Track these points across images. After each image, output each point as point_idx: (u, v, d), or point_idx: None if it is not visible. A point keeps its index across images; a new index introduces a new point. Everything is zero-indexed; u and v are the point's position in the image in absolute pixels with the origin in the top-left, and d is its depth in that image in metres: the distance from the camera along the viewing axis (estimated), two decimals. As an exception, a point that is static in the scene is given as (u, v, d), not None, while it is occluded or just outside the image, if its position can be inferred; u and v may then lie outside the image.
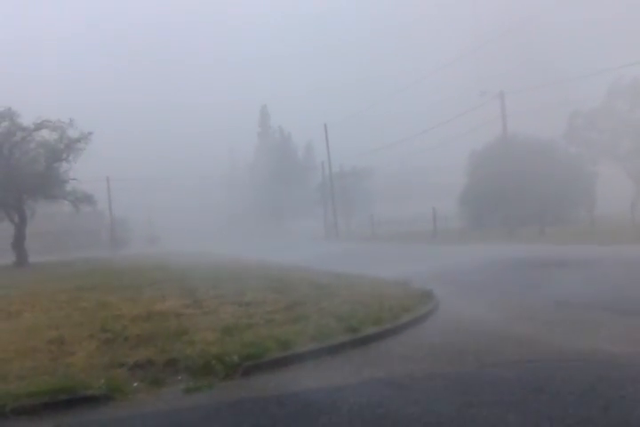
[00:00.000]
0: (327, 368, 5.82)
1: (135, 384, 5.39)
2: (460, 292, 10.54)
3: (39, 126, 30.75)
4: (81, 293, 12.57)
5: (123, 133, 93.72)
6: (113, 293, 12.05)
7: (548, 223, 30.82)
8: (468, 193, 38.44)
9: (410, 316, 7.85)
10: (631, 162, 35.69)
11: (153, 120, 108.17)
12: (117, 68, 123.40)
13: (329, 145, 50.14)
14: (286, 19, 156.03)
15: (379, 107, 68.31)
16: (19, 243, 32.13)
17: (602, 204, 36.10)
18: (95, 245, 59.66)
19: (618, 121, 34.55)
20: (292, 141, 79.09)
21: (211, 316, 8.29)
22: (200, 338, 6.69)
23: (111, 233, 57.44)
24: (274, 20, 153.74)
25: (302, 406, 4.62)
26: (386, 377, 5.29)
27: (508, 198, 31.85)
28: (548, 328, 6.96)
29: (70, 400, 4.98)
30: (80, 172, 33.75)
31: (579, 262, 14.47)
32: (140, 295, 11.26)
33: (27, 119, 30.83)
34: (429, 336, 7.02)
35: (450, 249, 24.06)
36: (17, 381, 5.38)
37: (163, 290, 11.96)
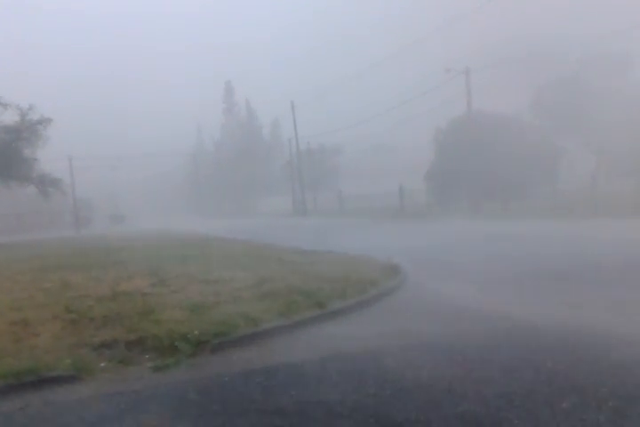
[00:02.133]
0: (294, 343, 5.89)
1: (102, 364, 5.36)
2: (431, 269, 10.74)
3: None
4: (44, 273, 12.35)
5: (86, 112, 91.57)
6: (77, 273, 11.87)
7: (512, 198, 31.37)
8: (433, 169, 38.69)
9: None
10: (592, 135, 36.26)
11: (118, 98, 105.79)
12: (82, 45, 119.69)
13: (296, 122, 49.84)
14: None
15: (346, 84, 67.90)
16: (-22, 224, 31.46)
17: (567, 177, 36.80)
18: (59, 225, 58.52)
19: (582, 93, 34.92)
20: (259, 118, 78.18)
21: (178, 294, 8.26)
22: (167, 317, 6.67)
23: (75, 213, 56.31)
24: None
25: (270, 381, 4.68)
26: (355, 351, 5.39)
27: (472, 174, 32.25)
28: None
29: (36, 382, 4.93)
30: (42, 152, 33.38)
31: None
32: (105, 275, 11.13)
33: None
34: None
35: (410, 225, 24.43)
36: (-20, 364, 5.30)
37: (128, 269, 11.85)
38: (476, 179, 31.97)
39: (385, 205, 41.85)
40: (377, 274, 9.17)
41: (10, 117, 31.70)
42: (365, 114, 50.89)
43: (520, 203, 30.49)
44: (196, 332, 5.89)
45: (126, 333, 6.15)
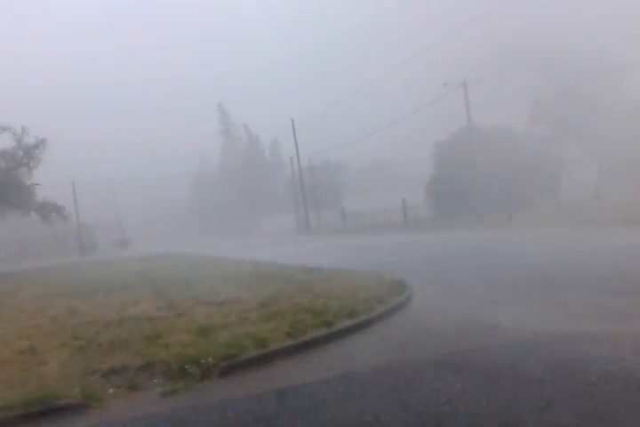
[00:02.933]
0: (304, 364, 5.84)
1: (111, 391, 5.32)
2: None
3: None
4: (50, 300, 12.33)
5: (89, 138, 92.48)
6: (83, 299, 11.84)
7: (516, 209, 31.37)
8: (435, 183, 38.83)
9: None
10: (592, 145, 36.31)
11: (121, 124, 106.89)
12: (84, 71, 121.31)
13: (297, 140, 50.09)
14: (250, 15, 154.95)
15: (346, 101, 68.41)
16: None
17: (570, 187, 36.85)
18: (63, 251, 58.56)
19: (580, 104, 35.01)
20: (259, 138, 78.77)
21: (185, 317, 8.22)
22: (175, 340, 6.63)
23: (79, 238, 56.38)
24: (239, 17, 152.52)
25: (281, 403, 4.62)
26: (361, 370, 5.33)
27: (475, 186, 32.28)
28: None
29: (45, 411, 4.88)
30: (45, 177, 33.54)
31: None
32: (111, 300, 11.10)
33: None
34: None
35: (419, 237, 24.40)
36: (-12, 394, 5.26)
37: (135, 294, 11.82)
38: (478, 191, 31.98)
39: (388, 220, 41.84)
40: (383, 291, 9.10)
41: (6, 142, 31.79)
42: (365, 130, 51.21)
43: (523, 213, 30.47)
44: (204, 355, 5.84)
45: (134, 358, 6.11)
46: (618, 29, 32.93)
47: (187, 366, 5.62)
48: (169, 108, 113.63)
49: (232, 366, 5.71)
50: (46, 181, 34.06)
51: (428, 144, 40.30)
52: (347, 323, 7.05)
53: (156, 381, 5.53)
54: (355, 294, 8.75)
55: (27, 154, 31.75)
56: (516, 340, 5.80)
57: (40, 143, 31.80)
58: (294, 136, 49.93)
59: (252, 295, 9.66)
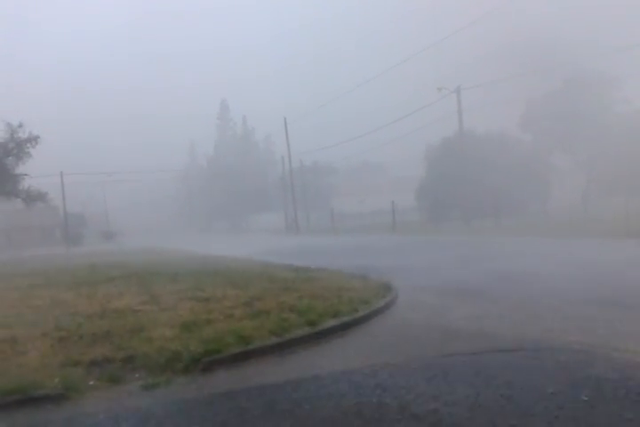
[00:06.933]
0: (287, 362, 5.86)
1: (91, 383, 5.30)
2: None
3: None
4: (34, 290, 12.24)
5: (79, 128, 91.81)
6: (67, 290, 11.78)
7: (504, 215, 31.53)
8: (425, 187, 38.94)
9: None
10: (582, 153, 36.48)
11: (112, 114, 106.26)
12: (78, 61, 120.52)
13: (289, 139, 49.96)
14: (247, 12, 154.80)
15: (340, 101, 68.28)
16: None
17: (558, 194, 37.06)
18: (49, 241, 58.05)
19: (571, 111, 35.09)
20: (253, 135, 78.53)
21: (169, 312, 8.20)
22: (158, 334, 6.62)
23: (65, 229, 55.93)
24: (235, 13, 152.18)
25: (261, 400, 4.64)
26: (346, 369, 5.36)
27: (464, 192, 32.42)
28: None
29: (23, 401, 4.86)
30: (33, 167, 33.38)
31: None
32: (95, 292, 11.05)
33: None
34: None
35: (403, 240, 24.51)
36: (-33, 382, 5.22)
37: (119, 287, 11.77)
38: (467, 197, 32.13)
39: (376, 222, 41.93)
40: (368, 292, 9.14)
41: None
42: (358, 131, 51.23)
43: (512, 220, 30.66)
44: (186, 350, 5.84)
45: (116, 351, 6.10)
46: (611, 40, 33.17)
47: (168, 361, 5.63)
48: (166, 102, 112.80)
49: (214, 361, 5.71)
50: (35, 170, 33.97)
51: (420, 146, 40.37)
52: (330, 323, 7.10)
53: (137, 374, 5.52)
54: (339, 295, 8.81)
55: (18, 146, 31.72)
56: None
57: (32, 138, 31.81)
58: (286, 135, 49.77)
59: (238, 293, 9.66)
